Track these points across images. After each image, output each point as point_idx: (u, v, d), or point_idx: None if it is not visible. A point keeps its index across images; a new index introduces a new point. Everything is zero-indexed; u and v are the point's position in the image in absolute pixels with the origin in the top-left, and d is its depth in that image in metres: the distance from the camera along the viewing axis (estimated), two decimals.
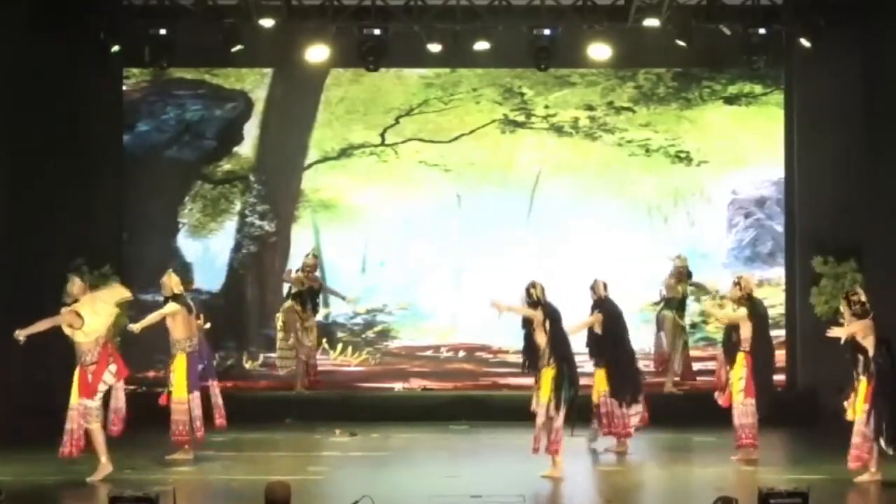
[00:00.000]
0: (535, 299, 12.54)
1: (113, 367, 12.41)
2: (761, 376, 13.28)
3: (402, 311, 18.09)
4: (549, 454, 12.48)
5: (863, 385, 12.08)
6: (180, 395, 13.40)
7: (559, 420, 12.40)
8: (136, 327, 13.25)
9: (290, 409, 16.81)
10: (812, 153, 17.25)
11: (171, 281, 13.59)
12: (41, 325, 12.26)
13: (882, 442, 12.01)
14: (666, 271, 16.99)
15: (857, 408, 12.10)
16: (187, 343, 13.46)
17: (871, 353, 12.05)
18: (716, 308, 14.19)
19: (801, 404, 16.35)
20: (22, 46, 15.67)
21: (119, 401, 12.61)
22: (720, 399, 13.53)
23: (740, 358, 13.25)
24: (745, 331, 13.22)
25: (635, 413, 14.15)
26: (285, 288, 17.25)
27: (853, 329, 12.13)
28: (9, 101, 15.52)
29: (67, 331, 12.30)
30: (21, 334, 12.12)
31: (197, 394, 13.47)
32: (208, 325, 14.02)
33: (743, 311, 13.25)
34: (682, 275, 16.81)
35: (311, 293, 17.02)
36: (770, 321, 17.35)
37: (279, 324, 17.00)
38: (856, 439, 12.08)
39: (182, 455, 13.47)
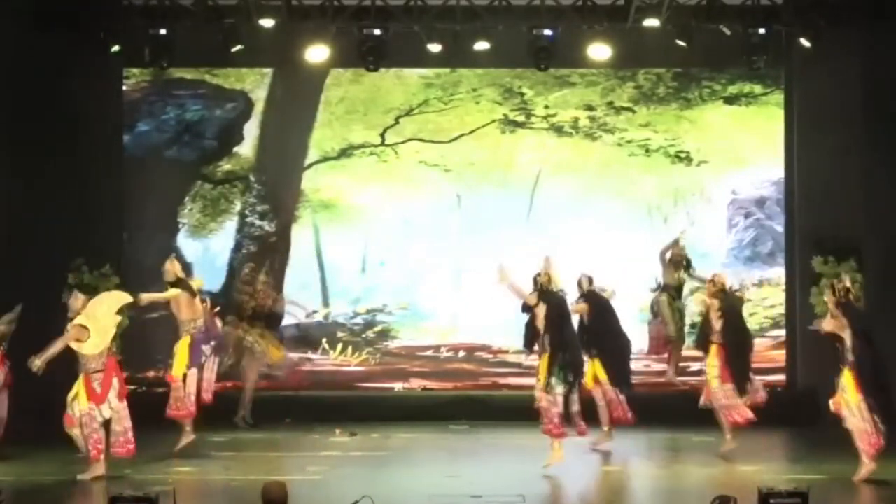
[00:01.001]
0: (539, 286, 12.90)
1: (116, 383, 12.41)
2: (735, 364, 13.72)
3: (402, 311, 18.07)
4: (547, 435, 12.76)
5: (847, 377, 12.25)
6: (177, 373, 13.75)
7: (555, 405, 12.69)
8: (143, 297, 13.82)
9: (290, 409, 16.81)
10: (812, 153, 17.24)
11: (175, 267, 14.04)
12: (54, 349, 12.26)
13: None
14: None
15: (851, 399, 12.21)
16: (192, 325, 13.86)
17: (848, 344, 12.24)
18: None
19: (801, 404, 16.35)
20: (22, 46, 15.68)
21: (125, 421, 12.56)
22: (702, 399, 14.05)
23: (713, 349, 13.81)
24: (717, 324, 13.81)
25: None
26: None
27: (829, 328, 12.46)
28: (9, 100, 15.53)
29: (75, 345, 12.28)
30: (37, 363, 12.14)
31: (194, 371, 13.76)
32: (217, 309, 14.48)
33: (715, 303, 13.87)
34: (679, 262, 16.52)
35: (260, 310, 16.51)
36: (771, 320, 17.53)
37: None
38: (864, 434, 12.19)
39: (186, 440, 13.70)
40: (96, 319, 12.37)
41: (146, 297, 13.98)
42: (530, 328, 13.01)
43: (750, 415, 13.68)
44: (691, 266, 16.44)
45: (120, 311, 12.94)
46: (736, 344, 13.83)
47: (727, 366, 13.71)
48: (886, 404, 12.23)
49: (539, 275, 13.01)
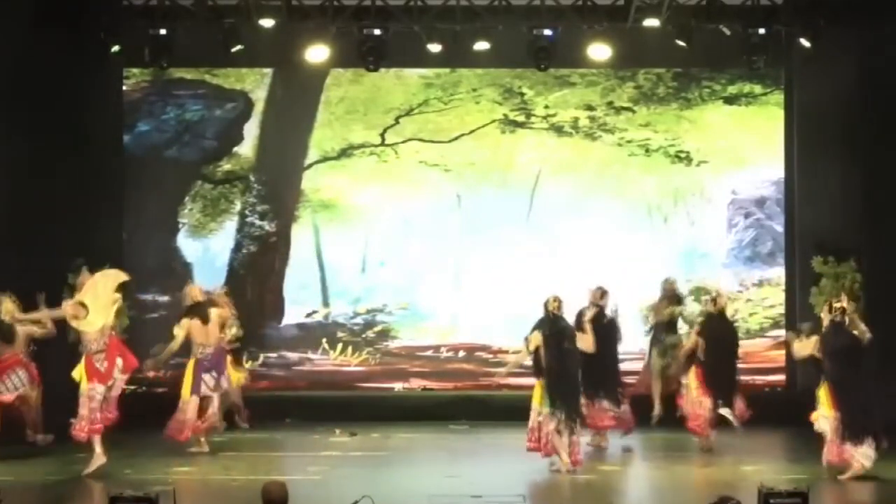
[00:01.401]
0: (548, 313, 12.85)
1: (120, 362, 12.52)
2: (714, 384, 14.21)
3: (402, 311, 18.06)
4: (539, 454, 12.80)
5: (823, 392, 12.53)
6: (185, 395, 13.97)
7: (545, 424, 12.69)
8: (161, 359, 14.49)
9: (290, 409, 16.82)
10: (812, 153, 17.23)
11: (193, 292, 14.33)
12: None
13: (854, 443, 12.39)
14: (654, 294, 16.64)
15: (827, 413, 12.48)
16: (199, 350, 14.08)
17: (825, 365, 12.53)
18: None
19: (801, 404, 16.27)
20: (22, 46, 15.68)
21: (115, 390, 12.69)
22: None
23: (692, 370, 14.32)
24: (699, 350, 14.33)
25: (617, 412, 14.63)
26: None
27: (804, 352, 12.94)
28: (9, 100, 15.53)
29: (73, 322, 12.41)
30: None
31: (195, 399, 13.95)
32: (230, 338, 14.90)
33: (692, 334, 14.57)
34: (672, 298, 16.37)
35: None
36: (772, 320, 17.50)
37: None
38: (831, 440, 12.47)
39: (199, 448, 13.89)
40: (94, 295, 12.44)
41: (165, 355, 14.36)
42: (536, 356, 12.87)
43: (710, 430, 14.25)
44: (682, 302, 16.33)
45: (119, 290, 12.97)
46: (713, 367, 14.21)
47: (703, 386, 14.18)
48: (865, 425, 12.36)
49: (548, 301, 12.92)
